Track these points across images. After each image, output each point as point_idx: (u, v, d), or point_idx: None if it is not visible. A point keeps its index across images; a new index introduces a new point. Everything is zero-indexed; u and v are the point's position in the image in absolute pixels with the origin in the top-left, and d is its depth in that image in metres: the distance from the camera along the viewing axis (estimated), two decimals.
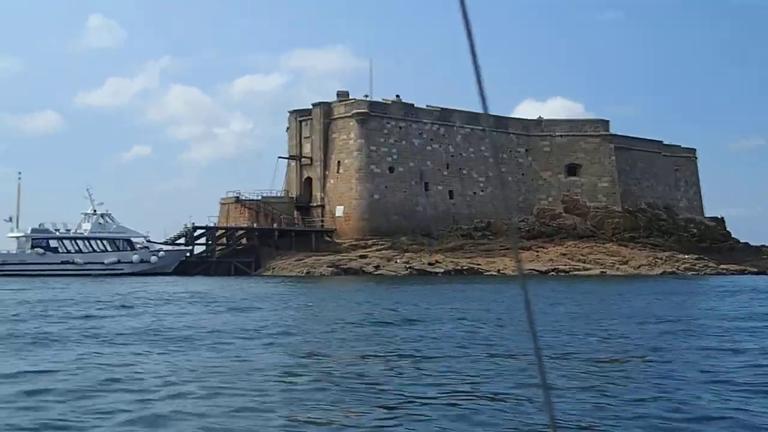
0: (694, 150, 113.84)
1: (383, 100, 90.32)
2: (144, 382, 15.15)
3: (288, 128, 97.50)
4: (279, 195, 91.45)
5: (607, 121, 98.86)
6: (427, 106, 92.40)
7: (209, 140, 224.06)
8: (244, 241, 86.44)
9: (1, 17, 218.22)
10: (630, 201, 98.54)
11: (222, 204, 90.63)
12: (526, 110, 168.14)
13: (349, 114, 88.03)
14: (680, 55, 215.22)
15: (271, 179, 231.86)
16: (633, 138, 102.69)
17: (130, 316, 30.60)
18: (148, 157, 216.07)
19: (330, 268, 78.37)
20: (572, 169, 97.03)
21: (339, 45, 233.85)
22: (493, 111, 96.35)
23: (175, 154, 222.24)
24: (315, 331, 24.80)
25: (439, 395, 13.88)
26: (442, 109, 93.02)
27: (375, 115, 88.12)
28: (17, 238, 78.29)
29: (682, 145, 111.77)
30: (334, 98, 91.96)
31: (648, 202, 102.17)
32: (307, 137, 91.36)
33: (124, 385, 14.70)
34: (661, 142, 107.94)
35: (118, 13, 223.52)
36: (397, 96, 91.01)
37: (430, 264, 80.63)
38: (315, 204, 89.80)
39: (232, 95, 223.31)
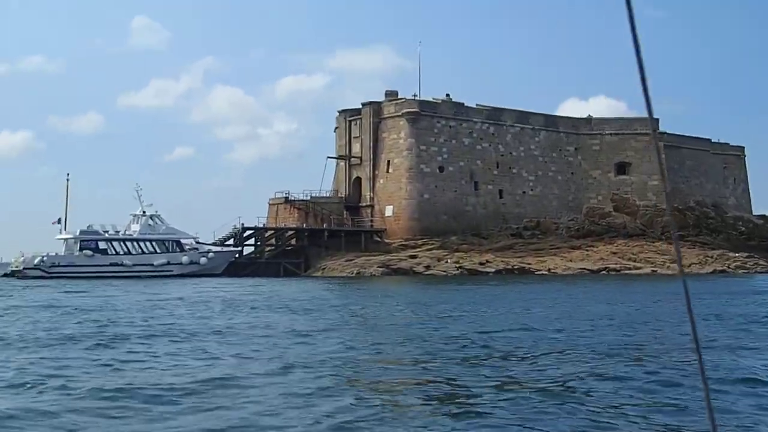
0: (743, 148, 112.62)
1: (433, 99, 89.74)
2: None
3: (336, 128, 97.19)
4: (328, 195, 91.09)
5: (657, 119, 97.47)
6: (477, 105, 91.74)
7: (253, 141, 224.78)
8: (293, 241, 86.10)
9: (45, 19, 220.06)
10: (679, 199, 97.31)
11: (271, 204, 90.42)
12: (570, 109, 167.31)
13: (399, 113, 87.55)
14: (726, 52, 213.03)
15: (317, 179, 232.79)
16: (682, 136, 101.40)
17: (253, 316, 30.33)
18: (191, 158, 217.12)
19: (380, 269, 77.99)
20: (622, 168, 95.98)
21: (381, 44, 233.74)
22: (537, 110, 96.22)
23: (218, 155, 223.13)
24: (439, 337, 23.80)
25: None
26: (492, 108, 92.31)
27: (425, 115, 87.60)
28: (65, 240, 78.19)
29: (731, 143, 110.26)
30: (379, 98, 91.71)
31: (697, 200, 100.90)
32: (357, 137, 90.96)
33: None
34: (710, 140, 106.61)
35: (163, 15, 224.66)
36: (447, 95, 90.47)
37: (480, 264, 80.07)
38: (364, 204, 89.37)
39: (275, 96, 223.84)
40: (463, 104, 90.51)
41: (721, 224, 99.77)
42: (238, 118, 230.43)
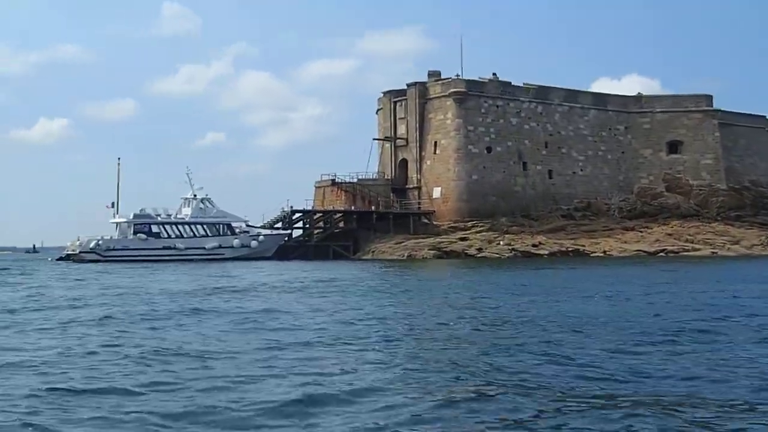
0: None
1: (480, 78, 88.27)
2: None
3: (379, 110, 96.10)
4: (374, 177, 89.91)
5: (711, 96, 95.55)
6: (524, 83, 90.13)
7: (282, 125, 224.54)
8: (341, 224, 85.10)
9: (76, 8, 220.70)
10: (733, 178, 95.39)
11: (317, 187, 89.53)
12: (601, 88, 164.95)
13: (446, 93, 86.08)
14: (758, 27, 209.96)
15: (349, 162, 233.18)
16: (735, 113, 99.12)
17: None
18: (221, 143, 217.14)
19: (432, 251, 76.81)
20: (674, 147, 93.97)
21: (411, 26, 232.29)
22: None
23: (248, 140, 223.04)
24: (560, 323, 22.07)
25: None
26: (539, 86, 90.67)
27: (472, 95, 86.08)
28: (119, 223, 77.96)
29: None
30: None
31: (751, 179, 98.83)
32: (402, 118, 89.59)
33: None
34: (765, 117, 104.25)
35: (193, 1, 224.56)
36: (494, 74, 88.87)
37: (533, 246, 78.70)
38: (411, 186, 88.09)
39: (305, 80, 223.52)
40: (510, 83, 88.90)
41: None
42: (267, 103, 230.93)
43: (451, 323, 20.71)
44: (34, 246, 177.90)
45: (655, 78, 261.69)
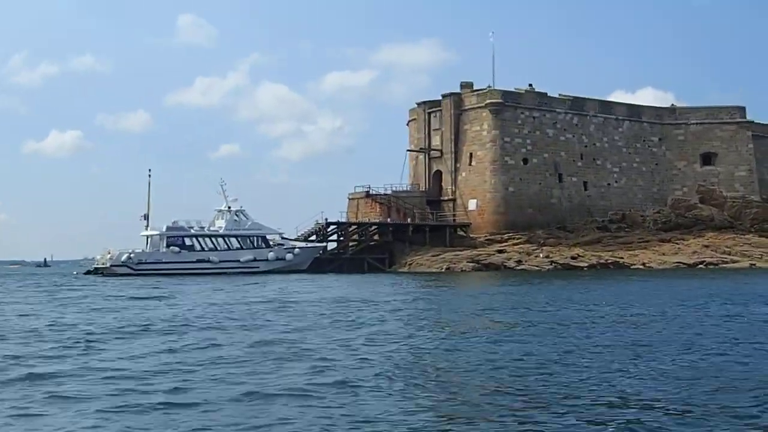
0: None
1: (516, 89, 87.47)
2: None
3: (410, 121, 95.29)
4: (408, 189, 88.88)
5: (744, 108, 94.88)
6: (560, 94, 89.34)
7: (299, 137, 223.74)
8: (375, 237, 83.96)
9: (92, 18, 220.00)
10: (764, 190, 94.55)
11: (350, 199, 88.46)
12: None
13: (482, 104, 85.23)
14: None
15: (369, 174, 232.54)
16: (764, 125, 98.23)
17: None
18: (237, 155, 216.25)
19: (470, 264, 75.84)
20: (707, 158, 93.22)
21: (428, 39, 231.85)
22: None
23: (265, 152, 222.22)
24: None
25: None
26: (574, 97, 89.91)
27: (509, 105, 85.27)
28: (150, 236, 76.86)
29: None
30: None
31: None
32: (437, 129, 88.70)
33: None
34: None
35: (209, 12, 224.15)
36: (530, 85, 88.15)
37: (572, 258, 77.78)
38: (446, 198, 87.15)
39: (321, 92, 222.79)
40: (546, 94, 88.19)
41: None
42: (284, 114, 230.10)
43: None
44: (45, 260, 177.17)
45: (669, 91, 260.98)
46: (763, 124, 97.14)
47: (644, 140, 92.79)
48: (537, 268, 74.76)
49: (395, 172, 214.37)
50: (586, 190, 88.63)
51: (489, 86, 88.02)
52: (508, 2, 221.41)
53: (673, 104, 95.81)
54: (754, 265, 78.63)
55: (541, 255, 77.66)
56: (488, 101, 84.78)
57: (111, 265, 73.86)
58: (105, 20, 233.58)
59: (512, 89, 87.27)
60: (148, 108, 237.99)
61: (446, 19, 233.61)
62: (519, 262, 76.50)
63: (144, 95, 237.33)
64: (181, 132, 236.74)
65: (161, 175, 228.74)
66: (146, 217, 78.62)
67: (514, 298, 38.35)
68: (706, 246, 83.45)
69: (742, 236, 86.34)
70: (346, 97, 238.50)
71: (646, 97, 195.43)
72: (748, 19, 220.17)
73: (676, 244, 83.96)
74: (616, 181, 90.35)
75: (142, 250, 75.82)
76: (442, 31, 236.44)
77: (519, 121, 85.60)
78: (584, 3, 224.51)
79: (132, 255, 74.23)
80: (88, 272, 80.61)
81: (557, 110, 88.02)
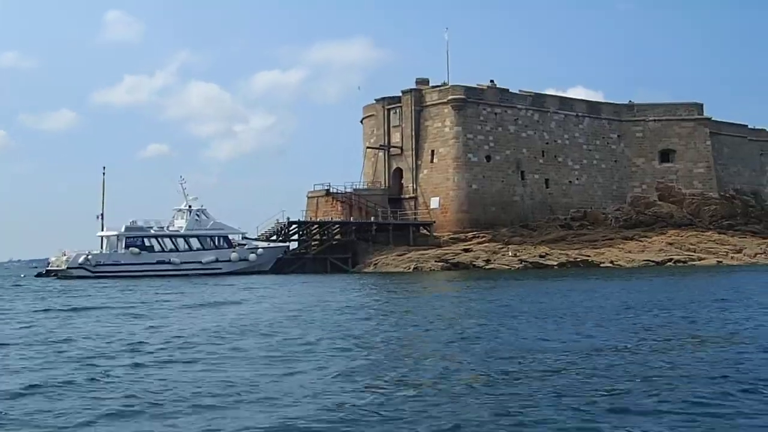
0: None
1: (478, 85, 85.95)
2: None
3: (363, 119, 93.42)
4: (365, 187, 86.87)
5: (701, 105, 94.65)
6: (520, 90, 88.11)
7: (230, 137, 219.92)
8: (338, 236, 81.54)
9: (18, 15, 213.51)
10: (721, 187, 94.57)
11: (309, 197, 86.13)
12: None
13: (444, 100, 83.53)
14: (697, 39, 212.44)
15: (302, 173, 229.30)
16: (719, 122, 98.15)
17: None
18: (165, 154, 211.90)
19: (438, 263, 74.16)
20: (666, 155, 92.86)
21: (360, 37, 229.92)
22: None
23: (194, 152, 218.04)
24: None
25: None
26: (535, 94, 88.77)
27: (471, 102, 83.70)
28: (107, 237, 73.69)
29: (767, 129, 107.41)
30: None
31: (736, 188, 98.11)
32: (396, 126, 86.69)
33: None
34: (746, 126, 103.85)
35: (137, 8, 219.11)
36: (492, 81, 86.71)
37: (541, 257, 76.56)
38: (407, 196, 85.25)
39: (252, 91, 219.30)
40: (507, 90, 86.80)
41: (761, 212, 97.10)
42: (214, 114, 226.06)
43: None
44: None
45: (599, 90, 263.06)
46: (720, 122, 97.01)
47: (603, 137, 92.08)
48: (507, 267, 73.44)
49: (331, 170, 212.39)
50: (547, 187, 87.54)
51: (444, 83, 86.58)
52: (438, 1, 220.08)
53: (630, 101, 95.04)
54: (721, 262, 78.24)
55: (509, 254, 76.26)
56: (450, 97, 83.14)
57: (68, 267, 70.31)
58: (30, 15, 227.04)
59: (475, 85, 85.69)
60: (73, 106, 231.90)
61: (378, 17, 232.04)
62: (488, 261, 75.02)
63: (69, 93, 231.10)
64: (108, 131, 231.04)
65: (89, 176, 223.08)
66: (101, 216, 75.54)
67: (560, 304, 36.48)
68: (670, 243, 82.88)
69: (703, 233, 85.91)
70: (278, 95, 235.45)
71: (578, 95, 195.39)
72: (671, 21, 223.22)
73: (640, 241, 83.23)
74: (577, 179, 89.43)
75: (100, 252, 72.60)
76: (374, 30, 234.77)
77: (481, 118, 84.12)
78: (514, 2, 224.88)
79: (89, 256, 70.77)
80: (40, 275, 77.00)
81: (518, 106, 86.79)
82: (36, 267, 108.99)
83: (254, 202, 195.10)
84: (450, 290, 46.50)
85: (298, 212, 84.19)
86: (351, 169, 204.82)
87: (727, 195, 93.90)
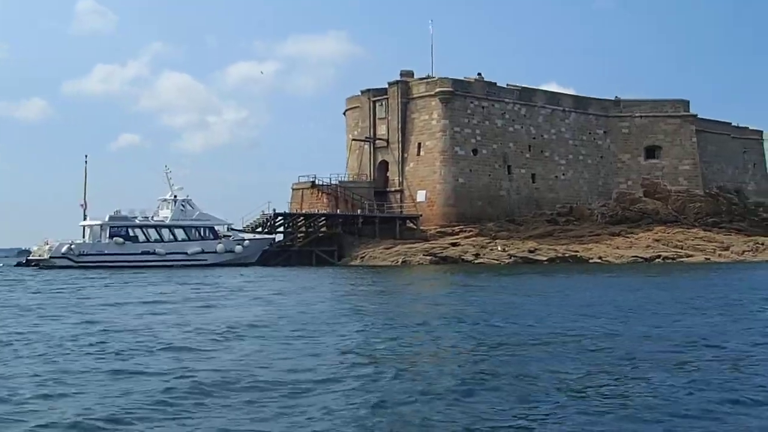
0: (761, 132, 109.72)
1: (465, 78, 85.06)
2: None
3: (346, 110, 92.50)
4: (347, 179, 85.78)
5: (687, 101, 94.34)
6: (508, 84, 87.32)
7: (202, 128, 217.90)
8: (323, 229, 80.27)
9: None
10: (707, 184, 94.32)
11: (294, 189, 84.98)
12: None
13: (432, 93, 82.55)
14: (680, 37, 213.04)
15: (274, 167, 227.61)
16: (703, 119, 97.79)
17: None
18: (137, 145, 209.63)
19: (427, 257, 73.19)
20: (651, 152, 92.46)
21: (335, 31, 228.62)
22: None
23: (165, 143, 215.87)
24: None
25: None
26: (522, 88, 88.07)
27: (458, 94, 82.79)
28: (90, 226, 72.22)
29: (750, 127, 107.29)
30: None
31: (719, 185, 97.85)
32: (382, 118, 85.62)
33: None
34: (730, 123, 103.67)
35: None
36: (479, 74, 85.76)
37: (530, 251, 75.80)
38: (392, 189, 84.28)
39: (226, 83, 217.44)
40: (495, 84, 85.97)
41: (744, 210, 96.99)
42: (186, 105, 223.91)
43: None
44: None
45: (569, 87, 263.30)
46: (703, 119, 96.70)
47: (590, 132, 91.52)
48: (496, 262, 72.63)
49: (306, 164, 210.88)
50: (534, 182, 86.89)
51: (428, 75, 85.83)
52: None
53: (617, 96, 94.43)
54: (709, 259, 77.89)
55: (498, 248, 75.45)
56: (438, 90, 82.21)
57: (51, 257, 68.78)
58: (0, 4, 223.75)
59: (462, 78, 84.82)
60: (44, 96, 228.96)
61: (353, 12, 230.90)
62: (477, 255, 74.18)
63: (40, 82, 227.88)
64: (80, 121, 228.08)
65: (61, 166, 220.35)
66: (84, 206, 74.11)
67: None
68: (657, 240, 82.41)
69: (689, 230, 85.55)
70: (251, 88, 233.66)
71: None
72: (652, 19, 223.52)
73: (627, 237, 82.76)
74: (563, 174, 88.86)
75: (83, 241, 71.10)
76: (349, 24, 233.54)
77: (468, 111, 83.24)
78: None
79: (73, 246, 69.29)
80: (20, 264, 75.35)
81: (506, 100, 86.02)
82: (7, 257, 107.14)
83: (228, 195, 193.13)
84: (482, 284, 45.60)
85: (270, 205, 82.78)
86: (327, 162, 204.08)
87: (712, 192, 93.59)
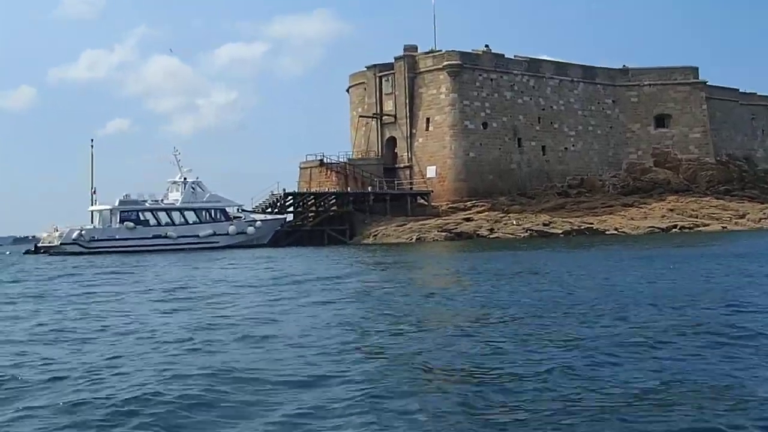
0: None
1: (473, 50, 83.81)
2: None
3: (349, 88, 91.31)
4: (354, 157, 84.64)
5: (696, 68, 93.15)
6: (515, 56, 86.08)
7: (191, 112, 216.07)
8: (334, 208, 79.11)
9: None
10: (718, 152, 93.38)
11: (302, 168, 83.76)
12: None
13: (440, 66, 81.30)
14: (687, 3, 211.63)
15: (265, 148, 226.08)
16: (710, 86, 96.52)
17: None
18: (126, 130, 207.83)
19: (441, 233, 72.14)
20: (661, 120, 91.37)
21: (320, 9, 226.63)
22: None
23: (155, 127, 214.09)
24: None
25: None
26: (530, 59, 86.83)
27: (467, 67, 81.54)
28: (100, 211, 71.02)
29: (758, 93, 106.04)
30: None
31: (728, 153, 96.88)
32: (389, 93, 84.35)
33: None
34: (738, 90, 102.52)
35: None
36: (487, 46, 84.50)
37: (545, 225, 74.82)
38: (401, 165, 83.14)
39: (213, 65, 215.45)
40: (503, 55, 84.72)
41: (754, 177, 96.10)
42: (174, 88, 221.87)
43: None
44: None
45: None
46: (711, 86, 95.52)
47: (599, 102, 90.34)
48: (512, 236, 71.60)
49: (297, 145, 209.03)
50: (544, 154, 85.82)
51: (431, 49, 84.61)
52: None
53: (624, 65, 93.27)
54: (726, 228, 76.97)
55: (513, 222, 74.49)
56: (446, 63, 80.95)
57: (61, 243, 67.54)
58: None
59: (470, 50, 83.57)
60: (32, 83, 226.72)
61: None
62: (491, 230, 73.20)
63: (27, 70, 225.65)
64: (67, 108, 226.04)
65: (48, 153, 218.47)
66: (94, 191, 73.06)
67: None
68: (671, 210, 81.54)
69: (702, 199, 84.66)
70: (239, 70, 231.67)
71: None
72: None
73: (641, 208, 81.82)
74: (573, 145, 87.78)
75: (93, 227, 69.91)
76: (334, 2, 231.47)
77: (477, 84, 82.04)
78: None
79: (83, 232, 68.02)
80: (29, 252, 74.03)
81: (514, 72, 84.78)
82: (2, 245, 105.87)
83: (219, 176, 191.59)
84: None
85: (279, 185, 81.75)
86: (326, 140, 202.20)
87: (723, 160, 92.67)
